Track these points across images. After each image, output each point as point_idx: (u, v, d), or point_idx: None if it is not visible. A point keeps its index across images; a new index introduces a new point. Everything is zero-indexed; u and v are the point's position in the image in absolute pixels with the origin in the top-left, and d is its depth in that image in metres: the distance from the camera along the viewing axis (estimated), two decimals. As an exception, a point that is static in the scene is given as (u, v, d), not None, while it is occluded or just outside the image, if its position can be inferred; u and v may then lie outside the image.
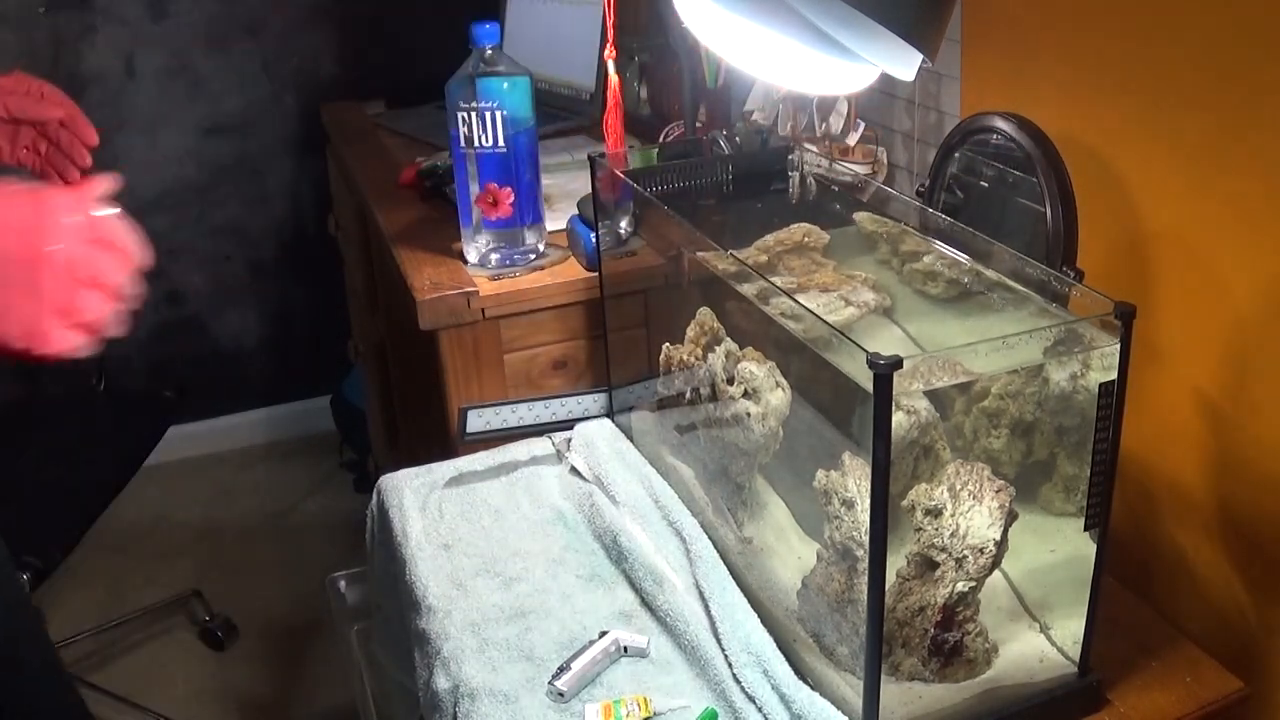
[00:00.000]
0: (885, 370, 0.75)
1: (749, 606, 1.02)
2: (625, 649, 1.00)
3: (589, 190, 1.37)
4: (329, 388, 2.90)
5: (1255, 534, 1.07)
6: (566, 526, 1.20)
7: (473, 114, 1.37)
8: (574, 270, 1.45)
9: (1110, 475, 0.87)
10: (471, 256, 1.46)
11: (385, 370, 2.26)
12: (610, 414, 1.39)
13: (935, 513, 0.89)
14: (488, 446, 1.34)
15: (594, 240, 1.38)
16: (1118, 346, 0.83)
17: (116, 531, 2.59)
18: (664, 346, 1.22)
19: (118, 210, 0.82)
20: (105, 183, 0.82)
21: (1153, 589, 1.18)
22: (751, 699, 0.93)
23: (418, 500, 1.25)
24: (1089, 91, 1.17)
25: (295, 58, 2.77)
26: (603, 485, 1.22)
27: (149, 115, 2.69)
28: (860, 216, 1.18)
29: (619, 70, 1.48)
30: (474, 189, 1.41)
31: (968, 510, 0.88)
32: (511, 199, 1.40)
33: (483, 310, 1.40)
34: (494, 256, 1.45)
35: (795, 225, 1.18)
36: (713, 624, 1.01)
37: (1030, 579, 0.99)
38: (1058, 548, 0.99)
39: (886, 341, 1.00)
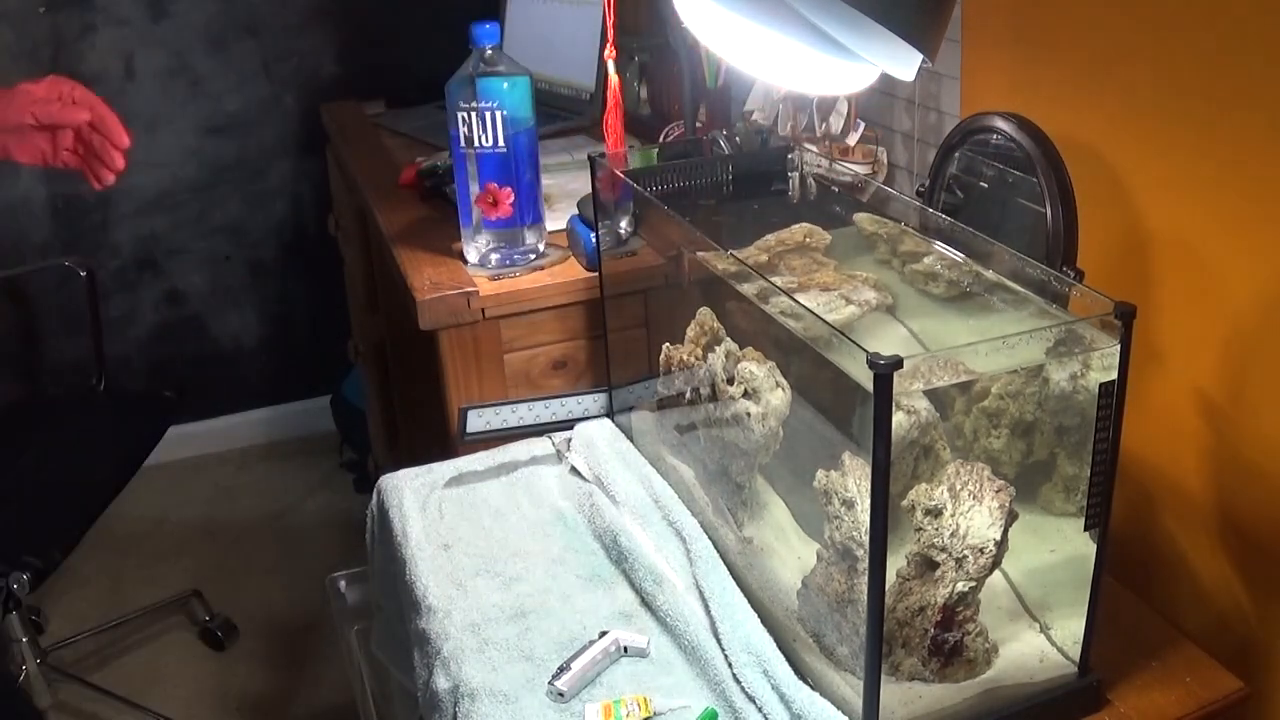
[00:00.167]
0: (885, 370, 0.75)
1: (749, 606, 1.02)
2: (625, 649, 1.00)
3: (589, 190, 1.37)
4: (329, 388, 2.90)
5: (1255, 534, 1.07)
6: (566, 526, 1.20)
7: (473, 114, 1.37)
8: (574, 270, 1.45)
9: (1110, 475, 0.87)
10: (471, 256, 1.46)
11: (385, 370, 2.26)
12: (610, 414, 1.39)
13: (935, 513, 0.89)
14: (488, 446, 1.34)
15: (594, 240, 1.38)
16: (1118, 347, 0.82)
17: (116, 531, 2.60)
18: (664, 346, 1.22)
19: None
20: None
21: (1153, 589, 1.18)
22: (751, 699, 0.93)
23: (418, 500, 1.25)
24: (1089, 91, 1.17)
25: (295, 58, 2.77)
26: (603, 485, 1.22)
27: (149, 115, 2.69)
28: (860, 217, 1.18)
29: (619, 70, 1.48)
30: (474, 189, 1.41)
31: (968, 510, 0.88)
32: (511, 199, 1.40)
33: (483, 310, 1.40)
34: (494, 256, 1.45)
35: (796, 225, 1.18)
36: (713, 624, 1.01)
37: (1030, 579, 0.99)
38: (1058, 548, 0.99)
39: (889, 340, 1.01)
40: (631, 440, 1.31)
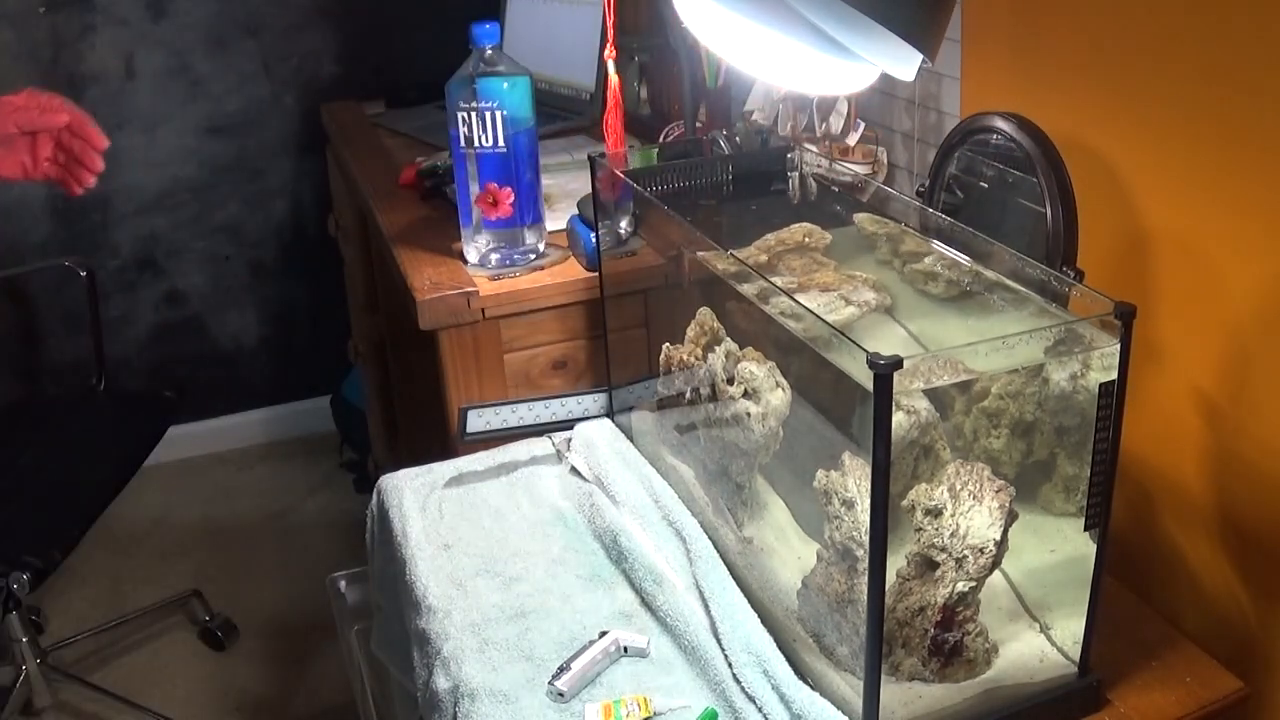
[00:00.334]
0: (885, 370, 0.75)
1: (749, 606, 1.02)
2: (625, 649, 1.00)
3: (589, 190, 1.37)
4: (329, 388, 2.90)
5: (1255, 534, 1.07)
6: (566, 526, 1.20)
7: (473, 114, 1.37)
8: (574, 270, 1.45)
9: (1110, 475, 0.87)
10: (471, 256, 1.46)
11: (385, 370, 2.26)
12: (610, 414, 1.39)
13: (935, 513, 0.89)
14: (488, 446, 1.34)
15: (594, 240, 1.38)
16: (1118, 346, 0.82)
17: (116, 531, 2.60)
18: (664, 346, 1.22)
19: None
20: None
21: (1153, 589, 1.18)
22: (751, 699, 0.93)
23: (418, 500, 1.25)
24: (1089, 91, 1.17)
25: (295, 58, 2.77)
26: (603, 485, 1.22)
27: (149, 115, 2.69)
28: (860, 217, 1.18)
29: (619, 70, 1.48)
30: (474, 189, 1.41)
31: (968, 510, 0.88)
32: (511, 199, 1.40)
33: (483, 310, 1.40)
34: (494, 256, 1.45)
35: (796, 225, 1.18)
36: (713, 624, 1.01)
37: (1030, 579, 0.99)
38: (1058, 548, 0.99)
39: (888, 340, 1.01)
40: (631, 440, 1.31)
